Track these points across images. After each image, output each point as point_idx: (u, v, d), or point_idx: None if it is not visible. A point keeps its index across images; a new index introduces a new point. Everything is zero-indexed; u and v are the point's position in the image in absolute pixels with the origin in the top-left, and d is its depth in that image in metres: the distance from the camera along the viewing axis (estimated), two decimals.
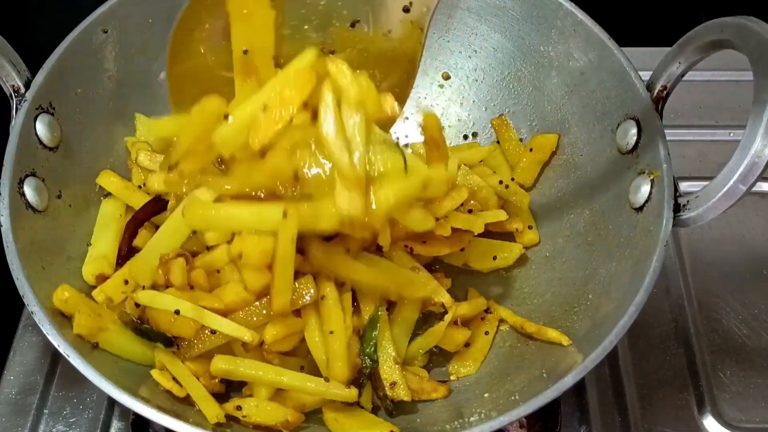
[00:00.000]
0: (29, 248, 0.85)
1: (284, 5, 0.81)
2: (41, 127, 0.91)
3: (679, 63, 0.88)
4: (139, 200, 0.98)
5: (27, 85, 0.91)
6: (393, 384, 0.86)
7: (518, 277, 1.02)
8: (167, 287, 0.86)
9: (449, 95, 1.14)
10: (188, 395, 0.83)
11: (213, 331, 0.84)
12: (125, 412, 0.99)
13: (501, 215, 0.98)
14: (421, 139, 0.93)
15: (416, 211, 0.81)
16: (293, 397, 0.85)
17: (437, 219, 0.88)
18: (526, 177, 1.06)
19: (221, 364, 0.83)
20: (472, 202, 0.99)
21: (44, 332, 0.79)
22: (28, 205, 0.88)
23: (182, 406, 0.83)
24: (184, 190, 0.83)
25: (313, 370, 0.86)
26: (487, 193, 1.01)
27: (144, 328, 0.86)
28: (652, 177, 0.88)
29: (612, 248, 0.92)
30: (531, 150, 1.05)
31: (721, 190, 0.78)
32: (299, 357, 0.88)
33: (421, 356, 0.93)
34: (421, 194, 0.80)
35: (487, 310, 0.97)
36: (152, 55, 1.06)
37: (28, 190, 0.88)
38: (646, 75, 0.92)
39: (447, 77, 1.14)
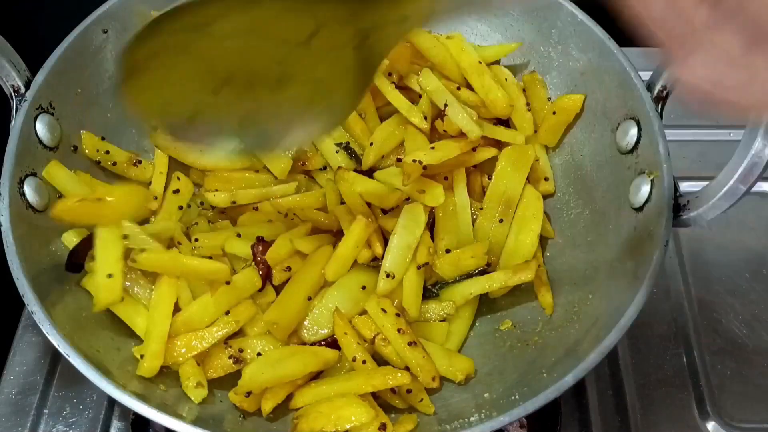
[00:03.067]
0: (29, 248, 0.85)
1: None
2: (41, 127, 0.91)
3: None
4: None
5: (27, 85, 0.91)
6: None
7: None
8: None
9: None
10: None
11: None
12: (125, 412, 0.99)
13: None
14: None
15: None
16: None
17: None
18: (550, 137, 1.05)
19: None
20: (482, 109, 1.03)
21: (44, 332, 0.79)
22: (28, 205, 0.88)
23: (182, 405, 0.83)
24: None
25: None
26: (495, 96, 1.03)
27: None
28: (652, 177, 0.88)
29: (612, 248, 0.92)
30: (554, 113, 1.03)
31: (721, 190, 0.78)
32: None
33: None
34: None
35: None
36: None
37: (28, 190, 0.88)
38: (646, 75, 0.92)
39: None
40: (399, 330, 0.87)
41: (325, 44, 0.65)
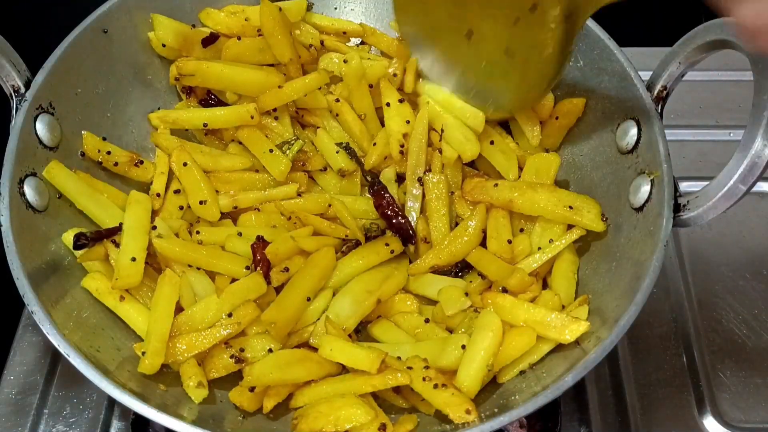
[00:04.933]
0: (29, 248, 0.85)
1: None
2: (41, 127, 0.92)
3: (679, 63, 0.88)
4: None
5: (27, 85, 0.91)
6: None
7: None
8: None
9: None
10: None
11: None
12: (125, 412, 0.99)
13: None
14: None
15: None
16: None
17: None
18: (551, 141, 1.05)
19: None
20: None
21: (44, 332, 0.79)
22: (28, 205, 0.88)
23: (183, 405, 0.83)
24: None
25: None
26: None
27: None
28: (652, 177, 0.88)
29: (612, 248, 0.92)
30: (557, 118, 1.03)
31: (721, 190, 0.78)
32: None
33: None
34: None
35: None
36: (152, 55, 1.06)
37: (28, 190, 0.88)
38: (646, 75, 0.92)
39: None
40: (424, 379, 0.84)
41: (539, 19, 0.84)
